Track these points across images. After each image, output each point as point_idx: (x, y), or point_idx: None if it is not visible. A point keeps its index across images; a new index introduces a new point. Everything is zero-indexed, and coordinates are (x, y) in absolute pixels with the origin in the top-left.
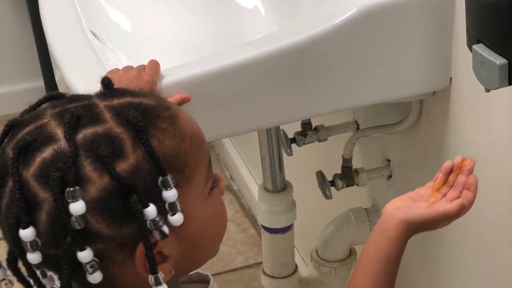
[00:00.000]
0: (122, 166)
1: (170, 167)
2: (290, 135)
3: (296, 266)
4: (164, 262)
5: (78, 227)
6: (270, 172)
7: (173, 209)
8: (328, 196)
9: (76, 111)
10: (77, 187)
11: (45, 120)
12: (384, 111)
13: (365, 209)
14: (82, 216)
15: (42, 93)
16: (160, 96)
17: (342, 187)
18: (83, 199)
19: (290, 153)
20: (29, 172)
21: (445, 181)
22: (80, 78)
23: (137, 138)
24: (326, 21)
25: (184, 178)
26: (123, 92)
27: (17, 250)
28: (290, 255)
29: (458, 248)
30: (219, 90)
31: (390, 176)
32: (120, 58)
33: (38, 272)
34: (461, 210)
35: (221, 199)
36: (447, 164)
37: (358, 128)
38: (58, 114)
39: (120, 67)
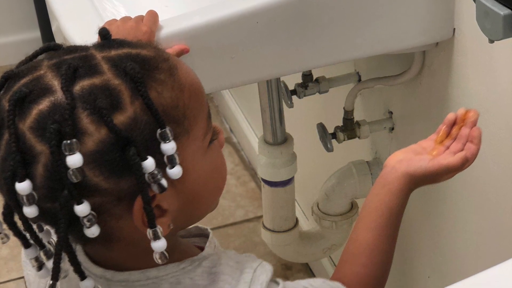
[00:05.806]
0: (119, 118)
1: (168, 119)
2: (291, 86)
3: (297, 220)
4: (162, 216)
5: (75, 180)
6: (270, 124)
7: (171, 162)
8: (329, 149)
9: (73, 62)
10: (74, 140)
11: (42, 72)
12: (386, 62)
13: (366, 162)
14: (79, 169)
15: (38, 44)
16: (159, 47)
17: (344, 140)
18: (80, 151)
19: (290, 105)
20: (25, 125)
21: (448, 134)
22: (77, 28)
23: (135, 90)
24: None
25: (183, 131)
26: (120, 43)
27: (13, 204)
28: (291, 209)
29: (461, 201)
30: (219, 41)
31: (392, 129)
32: (118, 9)
33: (34, 226)
34: (465, 163)
35: (221, 152)
36: (450, 116)
37: (359, 80)
38: (55, 66)
39: (118, 18)
